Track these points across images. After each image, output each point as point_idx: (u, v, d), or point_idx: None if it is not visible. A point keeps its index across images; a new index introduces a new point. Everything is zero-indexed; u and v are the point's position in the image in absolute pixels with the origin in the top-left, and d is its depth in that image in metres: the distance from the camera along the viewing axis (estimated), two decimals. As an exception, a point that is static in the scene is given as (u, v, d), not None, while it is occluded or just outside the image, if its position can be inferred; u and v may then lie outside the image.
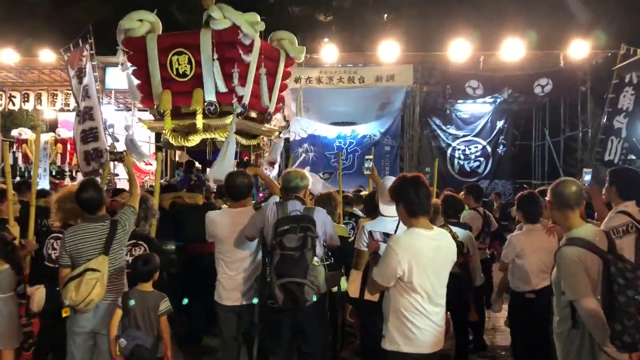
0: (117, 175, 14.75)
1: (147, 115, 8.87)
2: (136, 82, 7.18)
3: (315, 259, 3.64)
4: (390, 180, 3.72)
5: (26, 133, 15.27)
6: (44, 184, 12.69)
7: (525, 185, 13.36)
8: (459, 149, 16.81)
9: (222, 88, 6.41)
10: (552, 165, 15.93)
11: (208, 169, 7.65)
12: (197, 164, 9.41)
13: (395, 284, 2.93)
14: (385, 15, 24.67)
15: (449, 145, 16.82)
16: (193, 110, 6.61)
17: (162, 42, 6.65)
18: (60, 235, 3.79)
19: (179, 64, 6.58)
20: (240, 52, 6.37)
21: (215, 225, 4.00)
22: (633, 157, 12.93)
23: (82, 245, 3.47)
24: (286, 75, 7.64)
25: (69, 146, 14.19)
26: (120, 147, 15.90)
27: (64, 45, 12.39)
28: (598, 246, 2.74)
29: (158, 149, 15.50)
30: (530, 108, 16.81)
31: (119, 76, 14.46)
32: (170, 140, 6.84)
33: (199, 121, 6.54)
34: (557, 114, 15.43)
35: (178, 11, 18.61)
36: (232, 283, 3.93)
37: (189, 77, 6.60)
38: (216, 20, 6.28)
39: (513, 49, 12.59)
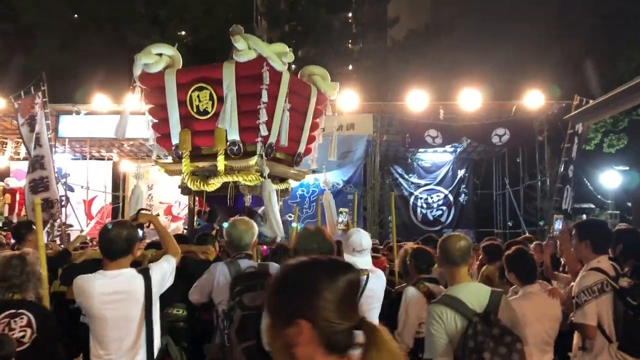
0: (71, 226, 14.19)
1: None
2: (153, 121, 6.60)
3: None
4: (357, 232, 3.59)
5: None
6: (-11, 235, 12.02)
7: (496, 234, 13.31)
8: (421, 198, 16.84)
9: (233, 124, 5.76)
10: (513, 213, 16.05)
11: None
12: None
13: None
14: (350, 66, 25.24)
15: (412, 194, 16.84)
16: (214, 151, 6.00)
17: (181, 77, 6.09)
18: None
19: (200, 101, 5.98)
20: (265, 86, 5.73)
21: (85, 296, 2.94)
22: (586, 205, 13.11)
23: None
24: (318, 113, 7.02)
25: (18, 196, 13.59)
26: (78, 196, 15.59)
27: (17, 92, 12.05)
28: (468, 306, 2.60)
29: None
30: (490, 157, 17.07)
31: (73, 124, 14.24)
32: (189, 185, 6.19)
33: (221, 163, 5.90)
34: (516, 163, 15.65)
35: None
36: None
37: (211, 114, 5.98)
38: (240, 52, 5.74)
39: (470, 99, 12.77)
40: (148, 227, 3.54)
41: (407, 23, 26.09)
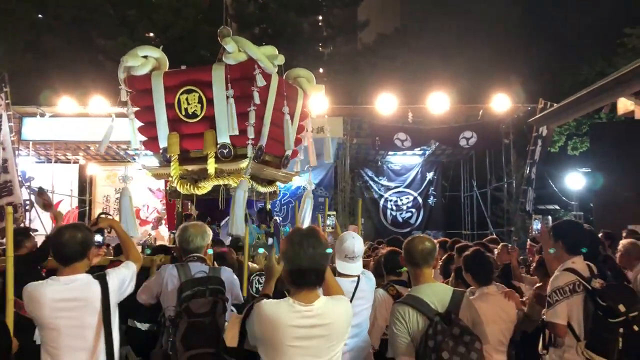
0: (35, 230, 13.84)
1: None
2: (138, 124, 6.46)
3: (227, 324, 3.28)
4: (351, 239, 3.48)
5: None
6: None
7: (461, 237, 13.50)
8: (391, 200, 17.01)
9: (235, 130, 5.70)
10: (481, 215, 16.30)
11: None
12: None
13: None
14: (321, 69, 25.32)
15: (382, 196, 16.99)
16: (203, 154, 5.96)
17: (169, 79, 6.02)
18: None
19: (189, 104, 5.93)
20: (256, 89, 5.67)
21: (35, 304, 2.74)
22: (551, 206, 13.39)
23: None
24: (304, 116, 7.00)
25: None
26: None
27: (-22, 94, 11.73)
28: (430, 306, 2.64)
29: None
30: (458, 160, 17.31)
31: (38, 126, 13.94)
32: (178, 188, 6.10)
33: (211, 166, 5.86)
34: (483, 165, 15.91)
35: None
36: None
37: (200, 117, 5.94)
38: (230, 54, 5.69)
39: (438, 103, 12.95)
40: (109, 232, 3.41)
41: (377, 27, 26.32)
